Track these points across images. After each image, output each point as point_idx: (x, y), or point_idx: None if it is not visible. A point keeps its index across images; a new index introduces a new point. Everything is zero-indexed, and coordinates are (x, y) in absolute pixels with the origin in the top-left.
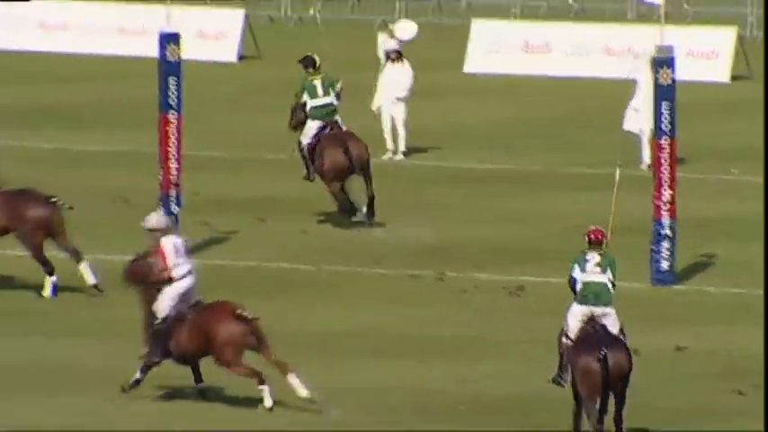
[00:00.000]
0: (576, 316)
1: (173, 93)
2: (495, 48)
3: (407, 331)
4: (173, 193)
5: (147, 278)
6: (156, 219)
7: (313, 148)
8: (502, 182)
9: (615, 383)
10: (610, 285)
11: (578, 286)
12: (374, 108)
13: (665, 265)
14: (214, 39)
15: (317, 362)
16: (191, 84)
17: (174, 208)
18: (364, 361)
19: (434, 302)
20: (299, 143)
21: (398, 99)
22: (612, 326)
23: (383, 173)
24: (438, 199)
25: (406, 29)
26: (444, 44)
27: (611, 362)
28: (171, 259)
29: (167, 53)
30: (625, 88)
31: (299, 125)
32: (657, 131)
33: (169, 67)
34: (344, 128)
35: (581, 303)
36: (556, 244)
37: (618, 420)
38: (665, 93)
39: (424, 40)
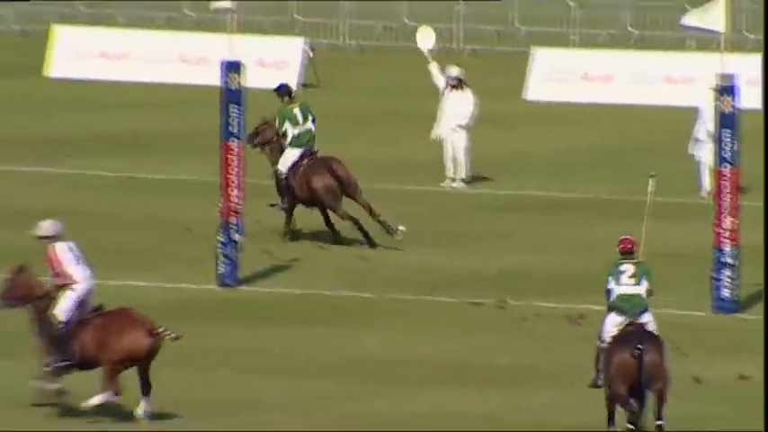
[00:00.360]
0: (614, 325)
1: (234, 121)
2: (556, 76)
3: (467, 359)
4: (234, 220)
5: (31, 293)
6: (47, 226)
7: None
8: (564, 210)
9: (651, 378)
10: (645, 295)
11: (613, 298)
12: (433, 136)
13: (726, 293)
14: (275, 67)
15: (377, 389)
16: (252, 112)
17: (236, 236)
18: (424, 388)
19: (495, 330)
20: (277, 171)
21: (460, 127)
22: (650, 328)
23: (444, 200)
24: (500, 227)
25: (424, 36)
26: (504, 72)
27: (646, 358)
28: (67, 265)
29: (229, 81)
30: (686, 116)
31: (261, 144)
32: (719, 159)
33: (231, 95)
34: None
35: (618, 314)
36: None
37: (659, 414)
38: (726, 120)
39: (484, 67)
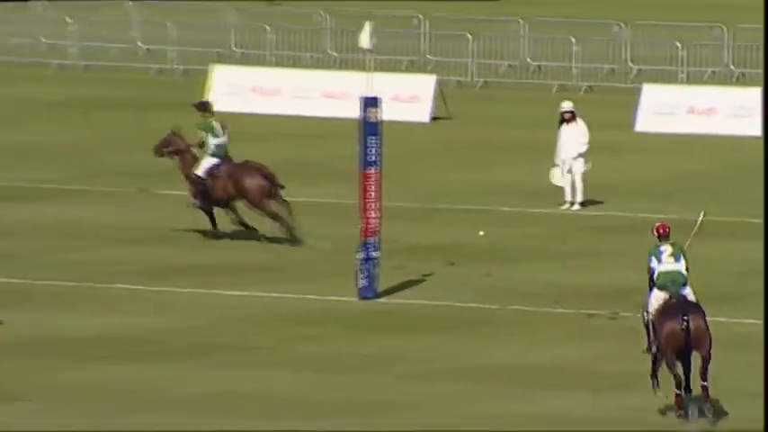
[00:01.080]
0: (657, 299)
1: (372, 150)
2: (663, 109)
3: (582, 366)
4: (372, 240)
5: None
6: None
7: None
8: (673, 231)
9: (698, 342)
10: (684, 271)
11: (656, 275)
12: (558, 162)
13: None
14: (408, 101)
15: (499, 391)
16: (388, 142)
17: (373, 254)
18: (542, 391)
19: (607, 339)
20: (195, 175)
21: (579, 154)
22: (690, 298)
23: (562, 221)
24: (613, 246)
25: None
26: (616, 106)
27: (692, 325)
28: None
29: (368, 115)
30: None
31: (171, 153)
32: None
33: (369, 127)
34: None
35: (661, 289)
36: (724, 287)
37: (704, 376)
38: None
39: (598, 102)
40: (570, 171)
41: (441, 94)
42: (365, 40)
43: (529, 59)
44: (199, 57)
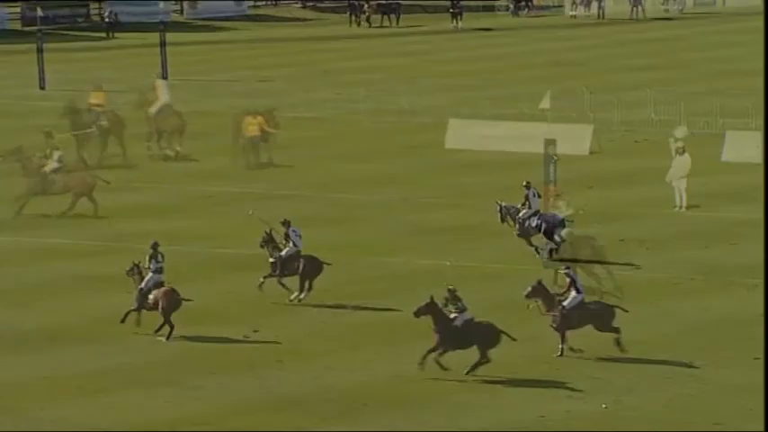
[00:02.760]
0: None
1: (550, 172)
2: (739, 147)
3: (701, 319)
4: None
5: None
6: None
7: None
8: (747, 227)
9: None
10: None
11: None
12: (667, 180)
13: None
14: (574, 141)
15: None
16: (561, 168)
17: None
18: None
19: (717, 295)
20: (47, 174)
21: (683, 176)
22: None
23: (673, 221)
24: (705, 232)
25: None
26: (710, 145)
27: None
28: None
29: (548, 151)
30: None
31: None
32: None
33: (548, 158)
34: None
35: None
36: None
37: None
38: None
39: (698, 142)
40: (678, 186)
41: (595, 137)
42: (546, 102)
43: (653, 115)
44: (437, 110)
